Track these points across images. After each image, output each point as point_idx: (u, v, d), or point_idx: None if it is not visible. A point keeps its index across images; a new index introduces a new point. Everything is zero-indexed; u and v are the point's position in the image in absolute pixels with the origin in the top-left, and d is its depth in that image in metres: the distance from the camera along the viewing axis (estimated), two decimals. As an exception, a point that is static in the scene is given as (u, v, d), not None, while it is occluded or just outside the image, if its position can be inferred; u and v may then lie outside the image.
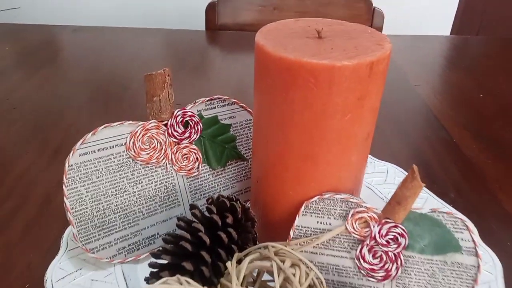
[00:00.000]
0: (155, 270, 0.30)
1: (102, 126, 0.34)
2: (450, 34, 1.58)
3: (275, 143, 0.32)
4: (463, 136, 0.57)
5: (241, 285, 0.27)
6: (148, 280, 0.30)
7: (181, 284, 0.25)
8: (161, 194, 0.36)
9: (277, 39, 0.30)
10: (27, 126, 0.57)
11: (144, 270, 0.34)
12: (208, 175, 0.39)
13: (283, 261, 0.28)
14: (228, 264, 0.28)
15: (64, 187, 0.32)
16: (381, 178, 0.46)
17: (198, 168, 0.38)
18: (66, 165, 0.32)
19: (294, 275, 0.27)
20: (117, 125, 0.34)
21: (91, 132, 0.33)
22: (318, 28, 0.31)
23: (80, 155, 0.33)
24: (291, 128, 0.30)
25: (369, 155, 0.50)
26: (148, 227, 0.36)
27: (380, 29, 0.99)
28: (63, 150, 0.52)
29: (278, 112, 0.30)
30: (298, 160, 0.31)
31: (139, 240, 0.35)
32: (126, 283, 0.33)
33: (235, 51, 0.87)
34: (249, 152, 0.41)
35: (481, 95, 0.69)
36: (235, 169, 0.41)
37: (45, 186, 0.45)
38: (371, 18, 0.97)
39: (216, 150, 0.39)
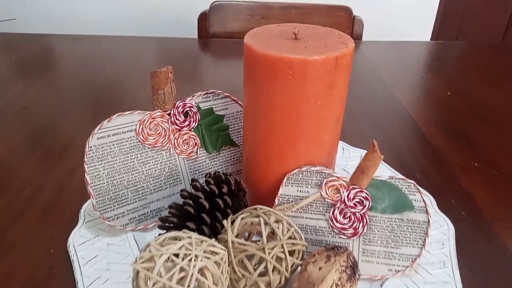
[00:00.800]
0: (163, 231, 0.37)
1: (116, 115, 0.40)
2: (430, 39, 1.67)
3: (261, 126, 0.38)
4: (430, 129, 0.65)
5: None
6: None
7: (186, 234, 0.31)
8: (165, 173, 0.43)
9: (262, 40, 0.37)
10: (36, 127, 0.63)
11: (152, 236, 0.41)
12: (205, 158, 0.45)
13: (268, 218, 0.34)
14: (224, 222, 0.34)
15: (85, 165, 0.38)
16: (356, 162, 0.52)
17: (196, 152, 0.44)
18: (87, 146, 0.38)
19: (278, 228, 0.33)
20: (128, 114, 0.40)
21: (107, 119, 0.39)
22: (295, 31, 0.38)
23: (97, 138, 0.39)
24: (274, 113, 0.36)
25: (346, 143, 0.57)
26: (155, 201, 0.42)
27: (360, 36, 1.06)
28: (70, 147, 0.57)
29: (264, 99, 0.37)
30: (280, 140, 0.38)
31: (147, 212, 0.41)
32: (138, 246, 0.39)
33: (226, 57, 0.94)
34: (240, 139, 0.47)
35: (449, 93, 0.77)
36: (228, 154, 0.47)
37: (57, 177, 0.51)
38: (352, 26, 1.05)
39: (212, 137, 0.45)
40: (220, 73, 0.84)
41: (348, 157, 0.54)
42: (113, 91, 0.75)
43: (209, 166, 0.46)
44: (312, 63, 0.33)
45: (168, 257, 0.29)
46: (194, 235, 0.31)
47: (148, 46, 0.99)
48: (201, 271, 0.29)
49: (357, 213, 0.37)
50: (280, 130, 0.37)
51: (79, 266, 0.37)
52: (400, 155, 0.57)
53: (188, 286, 0.28)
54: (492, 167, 0.55)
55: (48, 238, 0.41)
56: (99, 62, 0.88)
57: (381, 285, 0.36)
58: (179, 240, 0.30)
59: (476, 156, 0.57)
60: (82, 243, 0.39)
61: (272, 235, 0.35)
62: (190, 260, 0.29)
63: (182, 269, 0.28)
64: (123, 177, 0.40)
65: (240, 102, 0.47)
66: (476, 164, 0.56)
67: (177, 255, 0.29)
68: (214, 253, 0.31)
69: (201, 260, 0.29)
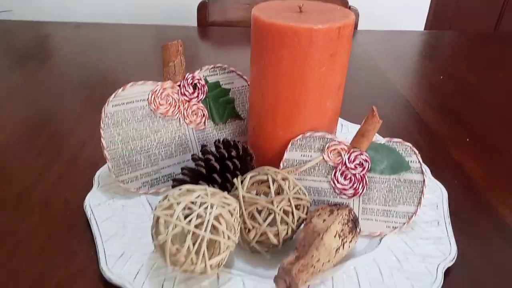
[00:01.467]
0: (176, 191, 0.39)
1: (130, 84, 0.42)
2: (424, 29, 1.70)
3: (268, 95, 0.41)
4: (424, 108, 0.68)
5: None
6: (171, 198, 0.38)
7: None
8: (175, 141, 0.45)
9: (269, 12, 0.39)
10: (43, 109, 0.64)
11: (164, 200, 0.43)
12: (212, 129, 0.48)
13: (276, 176, 0.37)
14: (235, 180, 0.37)
15: (101, 130, 0.41)
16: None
17: (204, 123, 0.47)
18: (103, 113, 0.41)
19: (284, 184, 0.36)
20: (141, 83, 0.43)
21: (121, 88, 0.42)
22: (300, 5, 0.40)
23: (113, 106, 0.41)
24: (280, 81, 0.39)
25: (345, 120, 0.59)
26: (166, 167, 0.44)
27: (355, 26, 1.09)
28: (80, 125, 0.59)
29: (270, 68, 0.39)
30: (286, 107, 0.40)
31: (159, 177, 0.44)
32: (151, 207, 0.41)
33: (225, 44, 0.96)
34: (245, 112, 0.50)
35: (441, 77, 0.80)
36: (234, 126, 0.49)
37: (69, 149, 0.53)
38: (347, 15, 1.07)
39: (219, 109, 0.48)
40: (219, 59, 0.86)
41: (347, 132, 0.56)
42: (116, 76, 0.77)
43: (216, 137, 0.48)
44: (317, 32, 0.36)
45: (186, 205, 0.31)
46: (208, 188, 0.33)
47: (148, 33, 1.00)
48: (216, 218, 0.31)
49: (357, 175, 0.40)
50: (286, 98, 0.39)
51: (96, 223, 0.39)
52: (395, 132, 0.60)
53: (205, 230, 0.30)
54: (483, 142, 0.58)
55: (64, 202, 0.43)
56: (101, 49, 0.90)
57: (380, 240, 0.39)
58: (195, 191, 0.33)
59: (467, 132, 0.60)
60: (98, 205, 0.41)
61: (278, 194, 0.38)
62: (206, 208, 0.31)
63: (199, 216, 0.31)
64: (136, 143, 0.42)
65: (245, 77, 0.49)
66: (467, 140, 0.59)
67: (194, 204, 0.31)
68: (227, 204, 0.33)
69: (216, 208, 0.31)
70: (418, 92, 0.74)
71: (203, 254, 0.30)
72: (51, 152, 0.52)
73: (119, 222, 0.39)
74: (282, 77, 0.39)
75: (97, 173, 0.46)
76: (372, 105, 0.67)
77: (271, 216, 0.35)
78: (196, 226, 0.31)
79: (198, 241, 0.30)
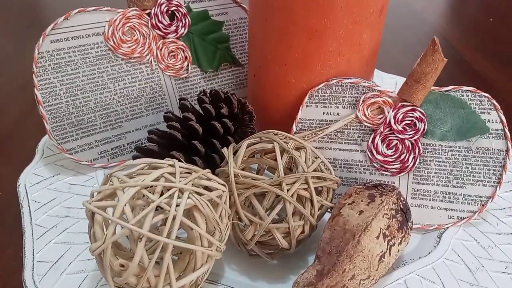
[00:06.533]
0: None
1: (76, 10, 0.29)
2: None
3: (276, 20, 0.27)
4: (474, 56, 0.54)
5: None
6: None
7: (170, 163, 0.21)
8: (146, 95, 0.32)
9: None
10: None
11: (131, 176, 0.31)
12: (199, 79, 0.35)
13: (286, 144, 0.24)
14: (224, 150, 0.24)
15: (34, 77, 0.28)
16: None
17: (187, 69, 0.34)
18: (36, 52, 0.28)
19: (299, 157, 0.24)
20: (93, 10, 0.30)
21: (63, 17, 0.29)
22: None
23: (51, 41, 0.28)
24: (293, -2, 0.26)
25: (377, 69, 0.46)
26: (133, 131, 0.32)
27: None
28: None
29: (279, -21, 0.26)
30: (303, 37, 0.27)
31: (123, 144, 0.32)
32: (110, 187, 0.29)
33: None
34: (244, 56, 0.37)
35: (491, 19, 0.65)
36: (229, 75, 0.36)
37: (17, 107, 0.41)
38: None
39: (207, 49, 0.35)
40: None
41: (381, 83, 0.43)
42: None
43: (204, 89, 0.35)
44: None
45: (137, 193, 0.19)
46: (180, 163, 0.21)
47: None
48: (188, 213, 0.19)
49: (406, 141, 0.27)
50: (304, 22, 0.26)
51: (30, 211, 0.27)
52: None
53: (168, 235, 0.18)
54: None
55: (-4, 178, 0.32)
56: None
57: (438, 237, 0.26)
58: (156, 169, 0.20)
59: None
60: (36, 183, 0.29)
61: (289, 171, 0.26)
62: (171, 196, 0.19)
63: (159, 210, 0.19)
64: (88, 96, 0.30)
65: (244, 6, 0.36)
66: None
67: (152, 190, 0.19)
68: (207, 189, 0.21)
69: (189, 197, 0.19)
70: (464, 36, 0.59)
71: (167, 272, 0.18)
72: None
73: (62, 210, 0.27)
74: (297, -8, 0.25)
75: (43, 139, 0.34)
76: (411, 53, 0.54)
77: (279, 206, 0.22)
78: (155, 227, 0.19)
79: (157, 251, 0.18)
